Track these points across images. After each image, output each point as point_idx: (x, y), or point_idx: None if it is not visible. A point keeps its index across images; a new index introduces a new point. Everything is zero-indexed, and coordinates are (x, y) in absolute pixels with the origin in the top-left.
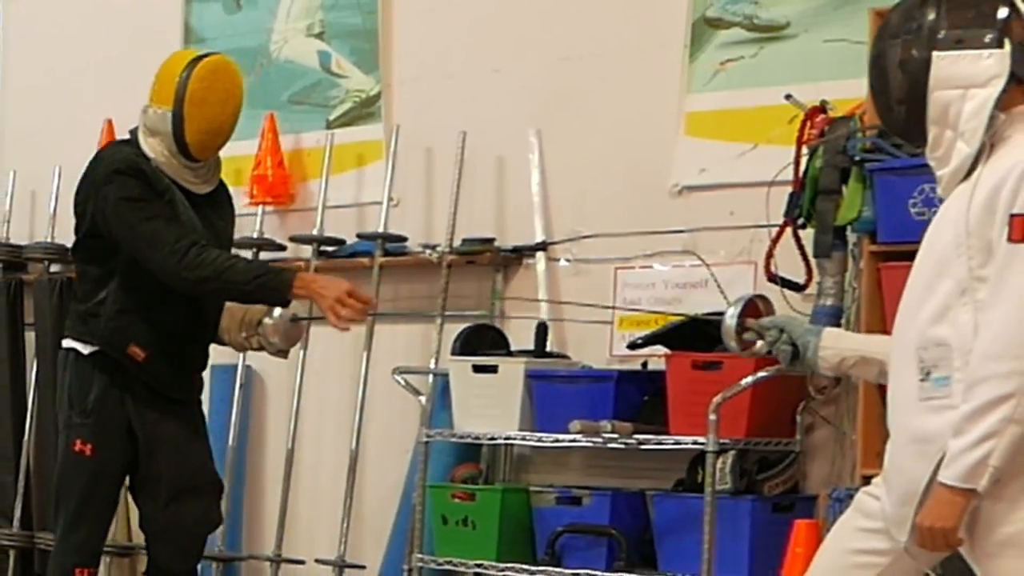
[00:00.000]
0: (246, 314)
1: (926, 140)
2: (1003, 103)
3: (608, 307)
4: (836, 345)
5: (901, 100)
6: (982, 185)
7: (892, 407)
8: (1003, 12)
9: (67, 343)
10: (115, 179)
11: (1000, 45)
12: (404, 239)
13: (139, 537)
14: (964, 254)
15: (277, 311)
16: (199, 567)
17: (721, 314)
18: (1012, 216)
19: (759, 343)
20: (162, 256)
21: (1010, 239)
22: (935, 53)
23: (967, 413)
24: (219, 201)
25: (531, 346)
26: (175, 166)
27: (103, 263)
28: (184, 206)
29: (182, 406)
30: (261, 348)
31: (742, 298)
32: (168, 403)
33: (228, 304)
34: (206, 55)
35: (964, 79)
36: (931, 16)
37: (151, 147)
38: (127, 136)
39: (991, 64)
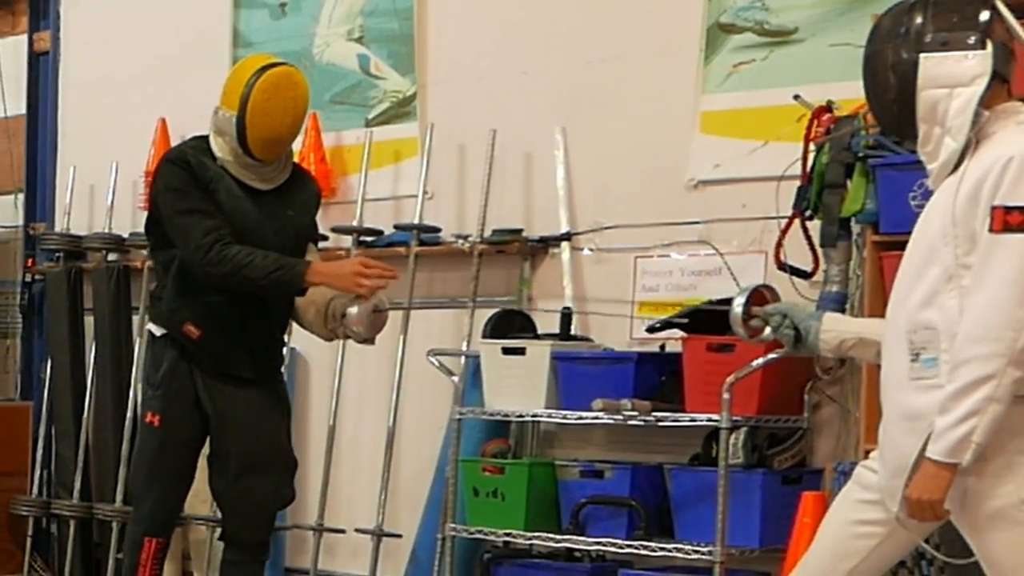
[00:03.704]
0: (329, 307)
1: (917, 136)
2: (987, 101)
3: (625, 301)
4: (836, 328)
5: (893, 99)
6: (967, 178)
7: (885, 386)
8: (985, 15)
9: (148, 326)
10: (163, 167)
11: (983, 46)
12: (438, 230)
13: (191, 508)
14: (951, 243)
15: (361, 301)
16: None
17: (731, 301)
18: (993, 208)
19: (767, 330)
20: (189, 251)
21: (991, 229)
22: (922, 55)
23: (952, 392)
24: (291, 192)
25: (557, 330)
26: (238, 165)
27: (166, 248)
28: (230, 195)
29: (255, 384)
30: (348, 337)
31: (748, 288)
32: (239, 381)
33: (311, 298)
34: (274, 65)
35: (950, 78)
36: (918, 20)
37: (218, 146)
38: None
39: (974, 64)
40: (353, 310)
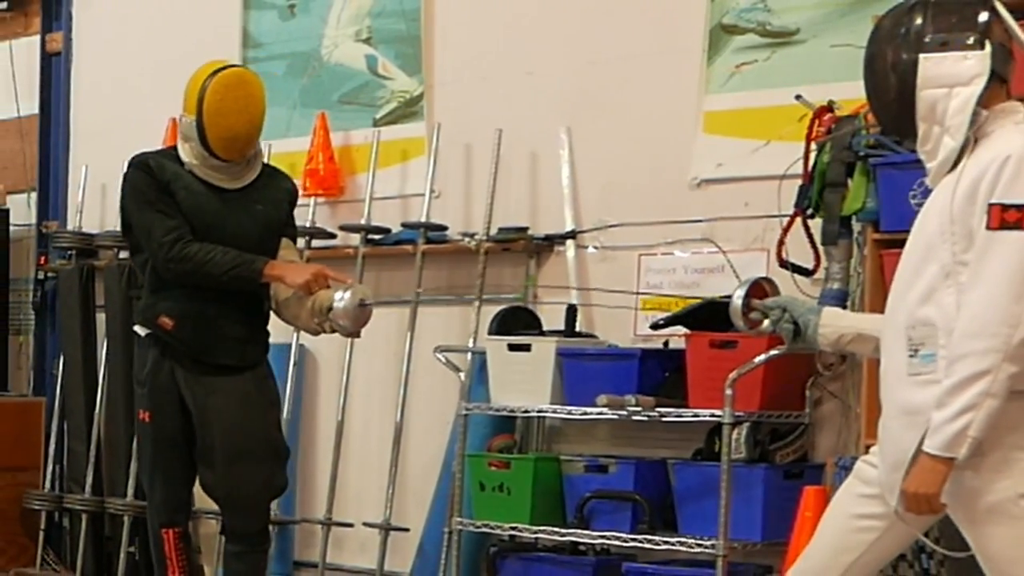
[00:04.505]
0: (315, 302)
1: (917, 135)
2: (985, 100)
3: (632, 292)
4: (834, 323)
5: (893, 99)
6: (965, 176)
7: (884, 381)
8: (984, 16)
9: (135, 328)
10: (127, 172)
11: (981, 46)
12: (445, 228)
13: (200, 502)
14: (948, 240)
15: (346, 296)
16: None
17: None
18: (990, 205)
19: (765, 322)
20: (152, 250)
21: (988, 227)
22: (922, 55)
23: (948, 387)
24: (260, 188)
25: (562, 326)
26: (205, 167)
27: (143, 251)
28: (189, 192)
29: (236, 374)
30: (334, 331)
31: (749, 280)
32: (220, 372)
33: (295, 294)
34: (225, 67)
35: (949, 78)
36: (918, 21)
37: (185, 151)
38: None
39: (973, 64)
40: (339, 305)
